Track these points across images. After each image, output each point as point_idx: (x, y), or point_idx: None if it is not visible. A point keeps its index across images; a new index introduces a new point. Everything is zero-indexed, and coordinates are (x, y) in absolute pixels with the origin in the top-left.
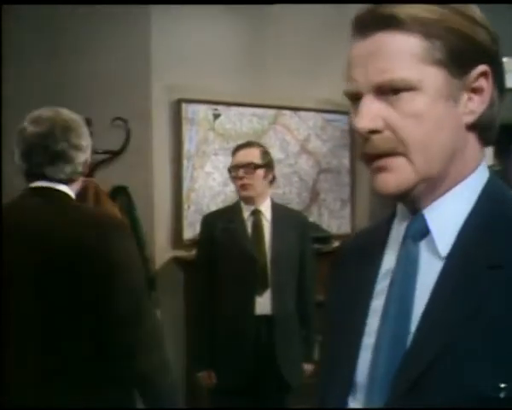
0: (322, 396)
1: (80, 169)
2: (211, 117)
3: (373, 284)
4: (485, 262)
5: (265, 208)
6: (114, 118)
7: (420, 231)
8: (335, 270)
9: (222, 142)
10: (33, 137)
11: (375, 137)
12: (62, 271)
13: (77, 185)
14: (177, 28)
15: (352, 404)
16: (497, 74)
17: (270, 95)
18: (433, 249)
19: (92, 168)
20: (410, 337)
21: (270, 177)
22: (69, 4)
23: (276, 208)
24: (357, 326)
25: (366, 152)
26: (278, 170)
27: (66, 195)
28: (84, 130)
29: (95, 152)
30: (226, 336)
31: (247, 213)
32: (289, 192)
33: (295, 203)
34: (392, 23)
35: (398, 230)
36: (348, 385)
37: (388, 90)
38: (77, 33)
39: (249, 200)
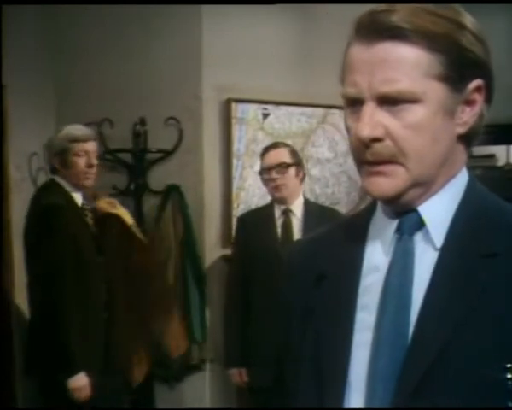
0: (309, 399)
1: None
2: (260, 116)
3: (357, 280)
4: (477, 251)
5: (297, 207)
6: (168, 117)
7: (415, 226)
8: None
9: (271, 141)
10: None
11: (377, 145)
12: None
13: (66, 174)
14: (228, 28)
15: (349, 404)
16: (489, 88)
17: (319, 94)
18: (429, 242)
19: (146, 167)
20: (411, 330)
21: (301, 175)
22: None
23: (309, 207)
24: (345, 323)
25: (366, 159)
26: (327, 169)
27: (51, 180)
28: (56, 135)
29: (148, 151)
30: (257, 336)
31: (278, 212)
32: (338, 192)
33: (344, 203)
34: (399, 34)
35: (381, 227)
36: (343, 385)
37: (391, 100)
38: (128, 33)
39: (282, 200)
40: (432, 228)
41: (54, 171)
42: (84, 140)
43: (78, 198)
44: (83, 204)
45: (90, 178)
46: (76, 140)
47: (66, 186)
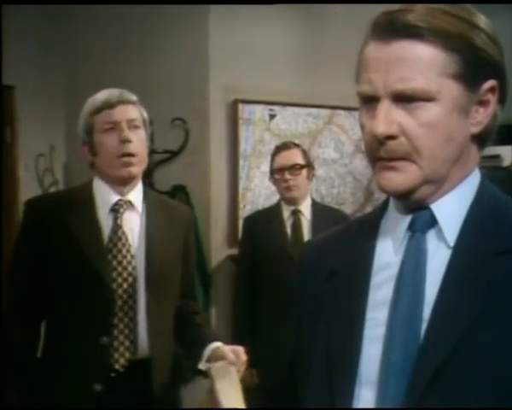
0: (319, 395)
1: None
2: (267, 117)
3: (368, 277)
4: (492, 249)
5: (305, 208)
6: (174, 118)
7: (427, 224)
8: (319, 266)
9: (277, 142)
10: None
11: (391, 142)
12: None
13: (100, 168)
14: (235, 29)
15: (360, 400)
16: (502, 89)
17: (325, 95)
18: (441, 240)
19: (152, 167)
20: (424, 326)
21: (311, 176)
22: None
23: (316, 207)
24: (356, 319)
25: (380, 156)
26: (333, 170)
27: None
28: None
29: (154, 152)
30: (267, 335)
31: (286, 213)
32: (344, 192)
33: (349, 203)
34: (415, 33)
35: (393, 224)
36: (353, 380)
37: (406, 98)
38: (135, 35)
39: (293, 200)
40: (444, 226)
41: (92, 165)
42: (110, 106)
43: (106, 217)
44: (114, 231)
45: (130, 164)
46: (98, 110)
47: (103, 193)
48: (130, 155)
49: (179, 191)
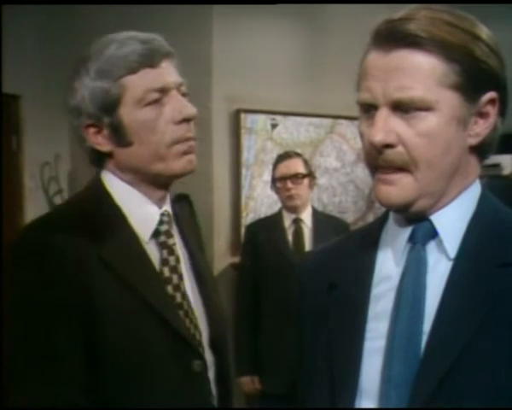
0: (321, 405)
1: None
2: (269, 127)
3: (368, 288)
4: (491, 261)
5: (306, 216)
6: None
7: (428, 235)
8: (320, 276)
9: (280, 151)
10: None
11: (389, 151)
12: None
13: (126, 164)
14: (238, 39)
15: None
16: (503, 101)
17: (327, 104)
18: (442, 251)
19: None
20: (424, 338)
21: (313, 185)
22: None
23: (317, 216)
24: (356, 331)
25: (378, 164)
26: (335, 179)
27: (95, 180)
28: (80, 76)
29: None
30: (270, 342)
31: (288, 221)
32: (345, 201)
33: (351, 212)
34: (415, 42)
35: (393, 236)
36: (354, 392)
37: (404, 107)
38: None
39: (295, 209)
40: (445, 238)
41: (99, 161)
42: (151, 62)
43: (147, 244)
44: (172, 267)
45: (191, 151)
46: (134, 68)
47: (135, 205)
48: (192, 138)
49: (182, 200)
